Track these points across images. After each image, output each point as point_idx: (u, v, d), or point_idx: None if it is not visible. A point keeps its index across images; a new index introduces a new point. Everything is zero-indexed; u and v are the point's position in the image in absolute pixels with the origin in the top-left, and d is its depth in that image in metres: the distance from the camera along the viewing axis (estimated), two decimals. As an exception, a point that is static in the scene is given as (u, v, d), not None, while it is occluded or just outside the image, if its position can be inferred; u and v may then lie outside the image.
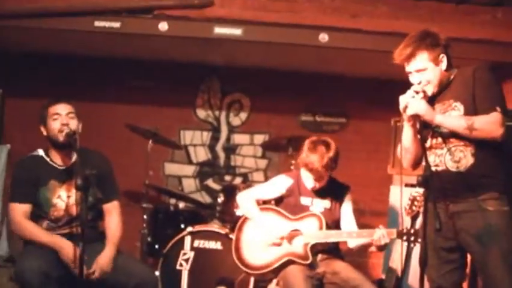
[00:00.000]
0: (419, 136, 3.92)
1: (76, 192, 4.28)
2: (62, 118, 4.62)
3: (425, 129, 3.95)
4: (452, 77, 4.04)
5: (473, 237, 3.86)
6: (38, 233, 4.52)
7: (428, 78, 3.97)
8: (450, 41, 4.06)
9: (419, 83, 3.96)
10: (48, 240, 4.47)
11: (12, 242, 6.43)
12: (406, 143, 4.09)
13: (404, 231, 4.74)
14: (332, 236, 5.05)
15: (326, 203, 5.20)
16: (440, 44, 4.00)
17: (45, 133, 4.69)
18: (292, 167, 6.50)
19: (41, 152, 4.75)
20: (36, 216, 4.62)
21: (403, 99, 3.91)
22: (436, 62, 3.97)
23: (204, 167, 8.36)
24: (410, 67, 4.00)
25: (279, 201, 5.36)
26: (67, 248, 4.39)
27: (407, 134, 4.05)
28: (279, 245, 5.04)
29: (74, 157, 4.64)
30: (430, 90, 3.98)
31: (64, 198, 4.64)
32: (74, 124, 4.63)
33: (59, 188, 4.64)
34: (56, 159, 4.71)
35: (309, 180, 5.17)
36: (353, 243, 5.11)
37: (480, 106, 3.85)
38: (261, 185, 5.69)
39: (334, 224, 5.18)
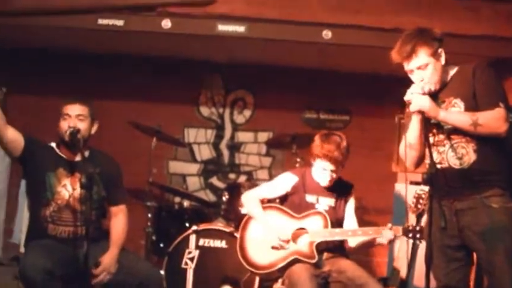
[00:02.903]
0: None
1: (81, 190, 4.31)
2: (70, 119, 4.68)
3: (429, 126, 3.93)
4: (452, 74, 4.02)
5: (477, 234, 3.85)
6: None
7: (430, 74, 3.92)
8: (444, 35, 4.03)
9: (422, 81, 3.93)
10: None
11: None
12: (412, 139, 4.03)
13: (410, 228, 4.72)
14: (337, 234, 5.03)
15: (331, 201, 5.20)
16: (437, 39, 3.97)
17: (58, 129, 4.73)
18: (297, 165, 6.47)
19: (53, 144, 4.82)
20: (40, 201, 4.65)
21: (407, 95, 3.89)
22: (436, 56, 3.93)
23: (208, 165, 8.35)
24: (411, 65, 3.94)
25: (284, 199, 5.35)
26: None
27: (414, 129, 3.99)
28: (282, 248, 5.03)
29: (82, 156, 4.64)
30: (433, 86, 3.94)
31: (68, 188, 4.68)
32: (82, 126, 4.68)
33: (65, 178, 4.69)
34: (64, 154, 4.77)
35: (324, 174, 5.14)
36: (353, 241, 5.10)
37: (482, 102, 3.83)
38: (266, 184, 5.65)
39: (338, 222, 5.18)
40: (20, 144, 4.58)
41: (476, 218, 3.85)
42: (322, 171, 5.14)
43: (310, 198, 5.18)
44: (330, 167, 5.09)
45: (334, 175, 5.15)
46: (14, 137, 4.54)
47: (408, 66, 3.96)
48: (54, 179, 4.66)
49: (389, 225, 4.83)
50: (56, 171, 4.68)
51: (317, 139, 5.18)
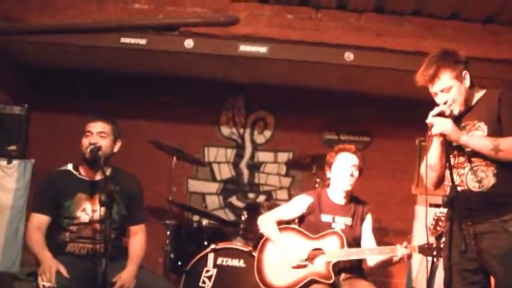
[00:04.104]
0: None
1: (101, 207, 4.31)
2: (92, 136, 4.69)
3: (450, 148, 3.92)
4: (478, 97, 4.00)
5: (495, 258, 3.82)
6: (34, 243, 4.53)
7: (454, 96, 3.91)
8: (469, 59, 4.02)
9: (445, 103, 3.91)
10: (37, 252, 4.49)
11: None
12: (433, 160, 4.01)
13: (426, 246, 4.71)
14: (353, 254, 5.01)
15: (347, 220, 5.19)
16: (461, 61, 3.96)
17: (79, 146, 4.74)
18: (317, 185, 6.46)
19: (70, 166, 4.83)
20: (58, 227, 4.66)
21: (429, 118, 3.88)
22: (460, 79, 3.92)
23: (228, 184, 8.36)
24: (435, 88, 3.94)
25: (301, 220, 5.34)
26: (47, 263, 4.37)
27: (435, 151, 3.98)
28: (303, 267, 5.01)
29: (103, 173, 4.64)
30: (457, 109, 3.93)
31: (88, 212, 4.66)
32: (103, 143, 4.68)
33: (85, 201, 4.68)
34: (85, 173, 4.78)
35: (346, 171, 5.15)
36: (372, 261, 5.08)
37: (506, 128, 3.81)
38: (281, 207, 5.66)
39: (355, 241, 5.15)
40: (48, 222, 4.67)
41: (495, 241, 3.82)
42: (344, 168, 5.15)
43: (326, 218, 5.17)
44: (351, 158, 5.14)
45: (355, 172, 5.16)
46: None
47: (432, 89, 3.97)
48: (73, 206, 4.66)
49: (405, 243, 4.83)
50: (74, 198, 4.67)
51: (330, 152, 5.32)
